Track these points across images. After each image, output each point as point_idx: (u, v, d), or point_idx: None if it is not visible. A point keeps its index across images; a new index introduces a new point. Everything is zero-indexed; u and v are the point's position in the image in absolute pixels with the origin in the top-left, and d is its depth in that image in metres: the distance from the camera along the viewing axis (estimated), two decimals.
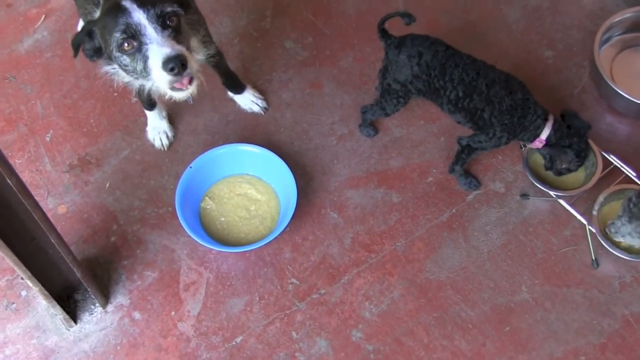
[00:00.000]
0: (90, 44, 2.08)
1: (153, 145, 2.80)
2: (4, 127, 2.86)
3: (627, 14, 2.91)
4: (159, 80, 2.04)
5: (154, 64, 1.99)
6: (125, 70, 2.11)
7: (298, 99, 2.91)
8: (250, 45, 3.03)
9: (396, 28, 2.52)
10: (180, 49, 1.99)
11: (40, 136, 2.83)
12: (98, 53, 2.10)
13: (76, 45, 2.08)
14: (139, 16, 1.97)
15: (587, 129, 2.51)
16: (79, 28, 2.96)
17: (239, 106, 2.87)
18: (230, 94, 2.85)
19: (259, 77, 2.95)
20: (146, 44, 1.98)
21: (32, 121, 2.87)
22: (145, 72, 2.03)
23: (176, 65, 1.96)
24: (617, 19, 2.89)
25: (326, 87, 2.93)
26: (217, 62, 2.61)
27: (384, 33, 2.51)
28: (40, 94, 2.93)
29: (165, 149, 2.79)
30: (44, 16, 3.13)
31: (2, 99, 2.92)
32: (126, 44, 1.99)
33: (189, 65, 2.01)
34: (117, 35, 1.98)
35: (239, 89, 2.82)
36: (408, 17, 2.43)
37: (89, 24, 2.07)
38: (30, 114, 2.89)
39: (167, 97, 2.18)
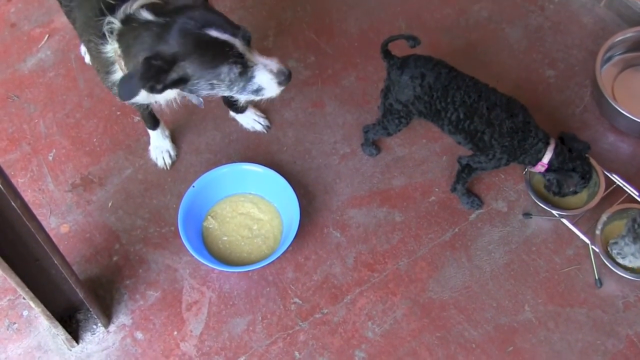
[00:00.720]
0: (165, 79, 1.99)
1: (156, 165, 2.80)
2: (7, 146, 2.86)
3: (629, 33, 2.92)
4: (272, 92, 2.17)
5: (266, 81, 2.11)
6: (213, 92, 2.11)
7: (300, 118, 2.92)
8: None
9: (398, 48, 2.53)
10: (278, 60, 2.12)
11: (43, 155, 2.84)
12: (175, 85, 2.04)
13: (152, 86, 1.96)
14: (238, 44, 2.03)
15: (587, 149, 2.51)
16: (82, 49, 3.00)
17: (241, 125, 2.88)
18: (232, 113, 2.86)
19: None
20: (251, 67, 2.07)
21: (35, 140, 2.87)
22: (244, 89, 2.12)
23: (285, 75, 2.14)
24: (618, 39, 2.91)
25: (328, 106, 2.94)
26: None
27: (386, 53, 2.52)
28: (43, 113, 2.94)
29: (168, 168, 2.79)
30: (47, 36, 3.14)
31: (5, 118, 2.93)
32: (237, 72, 2.05)
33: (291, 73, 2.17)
34: (234, 68, 2.03)
35: (241, 108, 2.83)
36: (413, 40, 2.43)
37: (160, 59, 1.96)
38: (33, 133, 2.89)
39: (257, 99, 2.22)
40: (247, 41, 2.06)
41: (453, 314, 2.51)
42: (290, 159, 2.82)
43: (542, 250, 2.62)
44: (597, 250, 2.53)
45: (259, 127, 2.86)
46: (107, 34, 2.08)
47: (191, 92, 2.11)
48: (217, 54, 2.00)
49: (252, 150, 2.84)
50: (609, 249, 2.48)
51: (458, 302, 2.53)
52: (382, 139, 2.83)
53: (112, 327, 2.50)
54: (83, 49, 3.04)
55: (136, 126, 2.89)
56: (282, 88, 2.16)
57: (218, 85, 2.08)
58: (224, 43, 2.00)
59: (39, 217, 2.00)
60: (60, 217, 2.71)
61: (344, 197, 2.74)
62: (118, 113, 2.92)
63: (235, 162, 2.74)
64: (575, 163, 2.47)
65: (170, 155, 2.79)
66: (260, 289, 2.56)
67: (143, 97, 2.11)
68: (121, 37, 2.07)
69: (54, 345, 2.47)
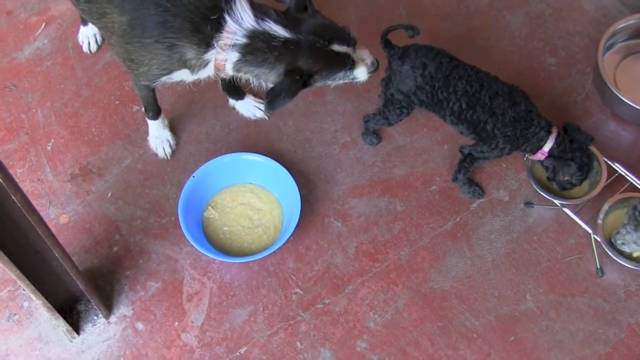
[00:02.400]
0: (299, 90, 2.27)
1: (155, 154, 2.79)
2: (4, 136, 2.84)
3: (631, 20, 2.90)
4: (363, 78, 2.40)
5: (362, 74, 2.37)
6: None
7: (300, 107, 2.90)
8: None
9: (399, 37, 2.51)
10: (369, 53, 2.37)
11: (42, 145, 2.82)
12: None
13: (284, 103, 2.27)
14: (350, 52, 2.30)
15: (590, 142, 2.50)
16: (80, 38, 2.98)
17: (242, 114, 2.86)
18: (231, 101, 2.84)
19: None
20: (353, 65, 2.34)
21: (33, 130, 2.85)
22: (341, 80, 2.37)
23: (375, 65, 2.38)
24: (620, 26, 2.89)
25: (328, 95, 2.92)
26: None
27: (387, 43, 2.50)
28: (41, 102, 2.91)
29: (168, 157, 2.78)
30: (44, 24, 3.11)
31: (3, 108, 2.90)
32: (348, 75, 2.36)
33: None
34: (347, 74, 2.34)
35: (240, 94, 2.81)
36: (412, 30, 2.42)
37: (297, 76, 2.23)
38: (31, 122, 2.87)
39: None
40: (354, 45, 2.31)
41: (454, 303, 2.50)
42: (291, 148, 2.81)
43: (543, 240, 2.61)
44: (598, 239, 2.53)
45: (259, 114, 2.84)
46: (216, 45, 2.19)
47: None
48: (339, 66, 2.30)
49: (252, 139, 2.82)
50: (612, 240, 2.47)
51: (459, 291, 2.52)
52: (382, 128, 2.82)
53: (112, 318, 2.49)
54: (81, 37, 3.01)
55: (135, 116, 2.87)
56: (369, 75, 2.42)
57: (330, 82, 2.36)
58: (344, 55, 2.28)
59: (38, 208, 1.99)
60: (60, 208, 2.69)
61: (344, 186, 2.73)
62: (117, 102, 2.90)
63: (235, 151, 2.72)
64: (574, 154, 2.46)
65: (170, 145, 2.78)
66: (261, 279, 2.55)
67: (183, 74, 2.33)
68: (250, 51, 2.21)
69: (55, 337, 2.46)
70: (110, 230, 2.65)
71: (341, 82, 2.39)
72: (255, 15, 2.20)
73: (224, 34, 2.19)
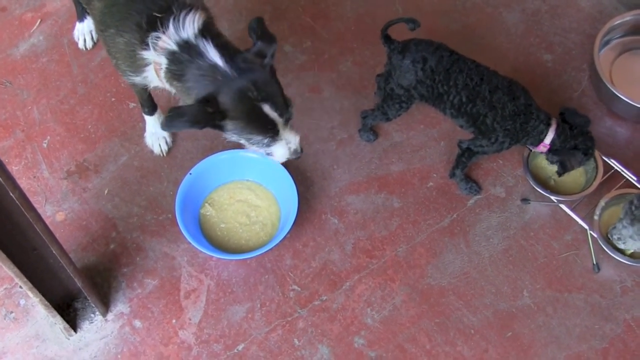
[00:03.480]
0: (206, 124, 2.09)
1: (152, 151, 2.78)
2: (0, 133, 2.83)
3: (627, 16, 2.90)
4: (280, 160, 2.32)
5: (280, 153, 2.27)
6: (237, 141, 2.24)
7: (297, 104, 2.88)
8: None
9: (396, 33, 2.51)
10: (298, 140, 2.29)
11: (38, 142, 2.81)
12: (214, 127, 2.13)
13: (201, 126, 2.08)
14: (280, 124, 2.18)
15: (588, 123, 2.50)
16: (75, 34, 2.96)
17: None
18: None
19: None
20: (276, 140, 2.22)
21: (28, 127, 2.84)
22: (262, 150, 2.26)
23: (297, 155, 2.31)
24: (616, 22, 2.89)
25: (325, 92, 2.92)
26: None
27: (387, 38, 2.50)
28: (36, 99, 2.90)
29: (164, 154, 2.77)
30: (39, 20, 3.10)
31: None
32: (265, 142, 2.22)
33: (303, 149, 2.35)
34: (264, 139, 2.19)
35: None
36: (412, 23, 2.42)
37: (212, 107, 2.06)
38: (26, 119, 2.86)
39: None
40: (287, 120, 2.21)
41: (452, 300, 2.51)
42: None
43: (540, 236, 2.62)
44: (595, 235, 2.54)
45: None
46: (151, 45, 2.11)
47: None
48: (260, 127, 2.16)
49: None
50: (608, 235, 2.48)
51: (457, 288, 2.53)
52: (379, 125, 2.82)
53: (110, 316, 2.49)
54: (76, 33, 3.00)
55: (132, 112, 2.86)
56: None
57: (244, 142, 2.23)
58: (270, 122, 2.15)
59: (34, 205, 1.98)
60: (56, 205, 2.68)
61: (341, 183, 2.73)
62: (113, 99, 2.89)
63: (232, 148, 2.71)
64: (577, 140, 2.46)
65: (166, 142, 2.77)
66: (258, 276, 2.55)
67: (152, 77, 2.24)
68: (176, 60, 2.10)
69: (52, 334, 2.46)
70: (107, 227, 2.64)
71: (255, 148, 2.25)
72: (199, 30, 2.10)
73: (163, 37, 2.10)
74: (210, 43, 2.09)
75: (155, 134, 2.76)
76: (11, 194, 1.74)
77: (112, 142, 2.81)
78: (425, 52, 2.42)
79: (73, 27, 3.02)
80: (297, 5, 3.12)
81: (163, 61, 2.12)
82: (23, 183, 2.71)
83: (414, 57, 2.42)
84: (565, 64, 2.98)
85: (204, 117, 2.05)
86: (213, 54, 2.07)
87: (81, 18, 2.94)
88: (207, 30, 2.13)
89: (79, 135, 2.82)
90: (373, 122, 2.70)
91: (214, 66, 2.07)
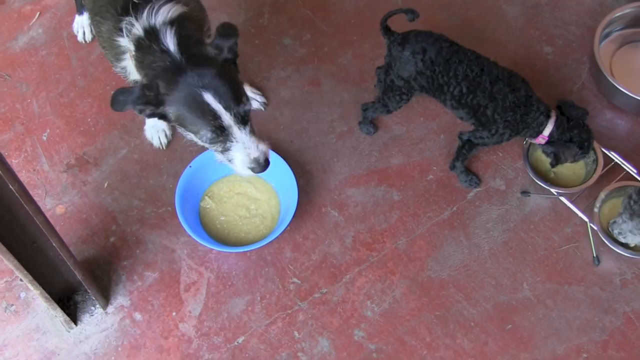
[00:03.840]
0: (151, 110, 2.04)
1: (151, 144, 2.78)
2: (0, 126, 2.82)
3: (627, 9, 2.90)
4: (241, 172, 2.17)
5: (239, 162, 2.12)
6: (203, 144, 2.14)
7: (297, 97, 2.89)
8: (248, 42, 3.00)
9: (395, 24, 2.50)
10: (262, 148, 2.13)
11: (37, 135, 2.80)
12: (161, 118, 2.08)
13: (140, 110, 2.03)
14: (227, 119, 2.03)
15: (586, 115, 2.50)
16: (75, 27, 2.96)
17: None
18: None
19: (257, 75, 2.93)
20: (231, 141, 2.08)
21: (28, 120, 2.84)
22: (222, 155, 2.14)
23: (260, 166, 2.14)
24: (617, 15, 2.89)
25: (325, 85, 2.92)
26: None
27: (387, 30, 2.49)
28: (36, 92, 2.90)
29: (164, 147, 2.77)
30: (38, 13, 3.09)
31: None
32: (213, 138, 2.08)
33: (269, 160, 2.17)
34: (208, 134, 2.05)
35: None
36: (412, 14, 2.42)
37: (152, 92, 2.01)
38: (26, 112, 2.86)
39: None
40: (241, 117, 2.06)
41: (452, 292, 2.51)
42: (287, 137, 2.80)
43: (540, 229, 2.62)
44: (595, 228, 2.54)
45: (255, 105, 2.83)
46: (125, 31, 2.09)
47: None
48: (200, 117, 2.03)
49: None
50: (609, 229, 2.48)
51: (457, 280, 2.53)
52: (379, 118, 2.81)
53: (110, 309, 2.49)
54: (76, 26, 2.99)
55: None
56: (252, 174, 2.17)
57: (197, 140, 2.11)
58: (212, 111, 2.02)
59: (34, 198, 1.98)
60: (56, 198, 2.68)
61: (341, 176, 2.73)
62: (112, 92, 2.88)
63: None
64: (572, 132, 2.46)
65: (166, 135, 2.77)
66: (258, 269, 2.55)
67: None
68: (140, 46, 2.09)
69: (53, 327, 2.46)
70: (107, 220, 2.64)
71: (213, 149, 2.14)
72: (170, 20, 2.09)
73: (136, 24, 2.08)
74: (173, 31, 2.06)
75: (154, 127, 2.76)
76: (11, 187, 1.74)
77: (111, 135, 2.81)
78: (425, 43, 2.41)
79: (72, 20, 3.01)
80: None
81: (132, 48, 2.10)
82: (23, 176, 2.71)
83: (413, 48, 2.42)
84: (566, 56, 2.97)
85: (143, 100, 2.00)
86: (169, 40, 2.05)
87: (80, 11, 2.93)
88: (179, 22, 2.10)
89: (79, 128, 2.82)
90: (374, 114, 2.70)
91: (166, 52, 2.04)
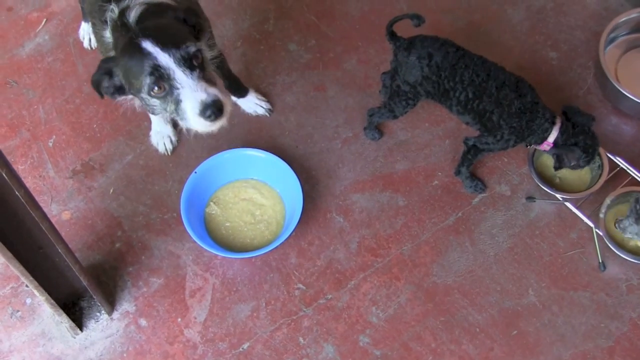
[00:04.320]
0: (110, 83, 2.02)
1: (157, 150, 2.78)
2: (6, 132, 2.84)
3: (633, 14, 2.89)
4: (195, 124, 2.01)
5: (189, 109, 1.96)
6: (152, 111, 2.07)
7: (302, 102, 2.90)
8: (253, 48, 3.01)
9: (401, 30, 2.51)
10: (213, 92, 1.97)
11: (43, 142, 2.81)
12: (120, 91, 2.05)
13: (95, 85, 2.02)
14: (165, 59, 1.92)
15: (591, 122, 2.49)
16: (80, 33, 2.98)
17: (243, 110, 2.86)
18: (233, 98, 2.84)
19: (262, 80, 2.94)
20: (177, 89, 1.95)
21: (34, 126, 2.85)
22: (177, 113, 2.01)
23: (213, 112, 1.95)
24: (622, 20, 2.88)
25: (330, 90, 2.92)
26: (219, 65, 2.58)
27: (392, 35, 2.49)
28: (42, 98, 2.91)
29: (169, 153, 2.78)
30: (45, 20, 3.11)
31: (4, 104, 2.90)
32: (156, 88, 1.95)
33: (225, 107, 2.00)
34: (147, 80, 1.93)
35: (242, 92, 2.81)
36: (417, 19, 2.42)
37: (106, 63, 2.00)
38: (32, 119, 2.87)
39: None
40: (185, 60, 1.94)
41: (457, 298, 2.51)
42: (293, 143, 2.81)
43: (545, 234, 2.61)
44: (600, 233, 2.53)
45: (261, 111, 2.84)
46: (108, 20, 2.07)
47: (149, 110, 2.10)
48: (139, 65, 1.92)
49: (254, 134, 2.82)
50: (615, 225, 2.47)
51: (462, 286, 2.53)
52: (384, 123, 2.81)
53: (115, 315, 2.50)
54: (81, 32, 3.01)
55: (136, 111, 2.84)
56: (209, 124, 2.00)
57: (149, 101, 2.01)
58: (148, 55, 1.91)
59: (40, 204, 1.98)
60: (62, 204, 2.69)
61: (346, 181, 2.73)
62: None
63: (237, 147, 2.72)
64: (577, 138, 2.45)
65: (171, 141, 2.77)
66: (263, 274, 2.55)
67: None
68: (114, 28, 2.06)
69: (58, 333, 2.46)
70: (112, 226, 2.65)
71: (172, 113, 2.01)
72: (145, 1, 2.05)
73: (115, 8, 2.04)
74: (142, 8, 2.02)
75: (160, 133, 2.76)
76: (17, 193, 1.75)
77: (117, 141, 2.82)
78: (431, 48, 2.41)
79: (78, 27, 3.03)
80: (301, 3, 3.12)
81: (110, 34, 2.06)
82: (29, 182, 2.72)
83: (419, 54, 2.42)
84: (571, 61, 2.97)
85: (99, 72, 1.99)
86: (132, 14, 2.01)
87: (86, 18, 2.95)
88: (158, 6, 2.05)
89: (85, 134, 2.83)
90: (380, 119, 2.70)
91: (126, 25, 2.00)
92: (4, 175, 1.69)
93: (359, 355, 2.42)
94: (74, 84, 2.94)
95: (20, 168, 2.75)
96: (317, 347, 2.43)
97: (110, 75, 2.02)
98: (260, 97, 2.85)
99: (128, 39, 1.95)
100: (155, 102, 2.00)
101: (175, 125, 2.80)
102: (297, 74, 2.95)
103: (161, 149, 2.77)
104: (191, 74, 1.94)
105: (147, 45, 1.91)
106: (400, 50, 2.46)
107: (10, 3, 3.16)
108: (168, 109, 2.01)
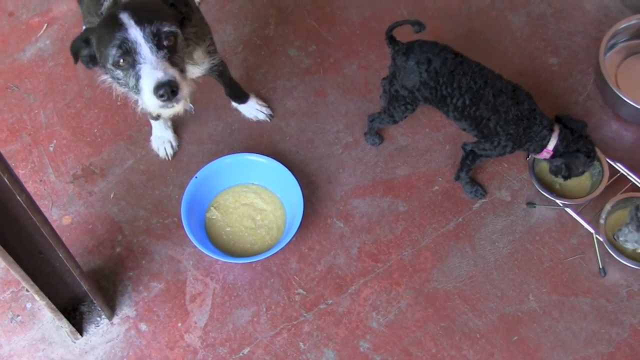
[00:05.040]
0: (86, 51, 2.05)
1: (157, 155, 2.79)
2: (7, 137, 2.84)
3: (632, 20, 2.90)
4: (148, 102, 2.02)
5: (145, 86, 1.97)
6: (118, 83, 2.10)
7: (302, 107, 2.90)
8: (254, 54, 3.02)
9: (401, 36, 2.51)
10: (172, 73, 1.96)
11: (44, 146, 2.82)
12: (94, 61, 2.08)
13: (74, 51, 2.06)
14: (135, 33, 1.93)
15: (584, 128, 2.50)
16: None
17: (244, 115, 2.86)
18: (234, 104, 2.84)
19: (263, 86, 2.94)
20: (140, 63, 1.96)
21: (35, 131, 2.85)
22: (136, 89, 2.02)
23: (166, 92, 1.94)
24: (622, 26, 2.89)
25: (331, 95, 2.92)
26: (221, 72, 2.59)
27: (391, 39, 2.50)
28: (43, 103, 2.91)
29: (170, 158, 2.78)
30: (46, 25, 3.11)
31: (5, 109, 2.90)
32: (121, 60, 1.97)
33: (180, 91, 1.99)
34: (113, 50, 1.94)
35: (243, 98, 2.81)
36: (418, 25, 2.42)
37: (87, 32, 2.05)
38: (33, 123, 2.87)
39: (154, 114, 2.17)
40: (154, 36, 1.94)
41: (457, 303, 2.51)
42: (293, 148, 2.81)
43: (546, 240, 2.61)
44: (601, 239, 2.53)
45: (261, 117, 2.84)
46: (104, 10, 2.10)
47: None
48: (110, 34, 1.93)
49: (255, 140, 2.82)
50: (614, 236, 2.48)
51: (462, 292, 2.53)
52: (385, 129, 2.82)
53: (116, 319, 2.49)
54: None
55: (137, 116, 2.86)
56: (160, 104, 1.99)
57: (114, 72, 2.01)
58: (121, 25, 1.92)
59: (40, 209, 1.98)
60: (62, 209, 2.69)
61: (347, 186, 2.73)
62: (119, 103, 2.89)
63: (237, 152, 2.72)
64: (578, 144, 2.46)
65: (172, 146, 2.78)
66: (264, 280, 2.55)
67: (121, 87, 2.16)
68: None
69: (58, 338, 2.46)
70: (112, 231, 2.65)
71: (133, 89, 2.02)
72: None
73: (107, 3, 2.08)
74: None
75: (161, 138, 2.77)
76: (18, 198, 1.75)
77: (118, 145, 2.82)
78: (430, 54, 2.42)
79: (79, 32, 3.02)
80: (302, 9, 3.13)
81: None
82: (30, 187, 2.72)
83: (418, 59, 2.42)
84: (571, 67, 2.98)
85: (79, 40, 2.01)
86: None
87: (85, 20, 2.95)
88: None
89: (85, 139, 2.83)
90: (380, 125, 2.70)
91: (117, 2, 2.05)
92: (5, 179, 1.70)
93: None
94: (75, 88, 2.94)
95: (21, 172, 2.76)
96: (318, 353, 2.43)
97: (88, 43, 2.03)
98: (260, 102, 2.86)
99: (109, 9, 1.99)
100: (119, 73, 2.01)
101: (175, 129, 2.81)
102: (298, 80, 2.96)
103: (162, 153, 2.78)
104: (157, 52, 1.95)
105: (124, 17, 1.93)
106: (399, 54, 2.47)
107: (11, 8, 3.16)
108: (130, 83, 2.01)
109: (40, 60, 3.02)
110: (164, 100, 1.97)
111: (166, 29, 1.96)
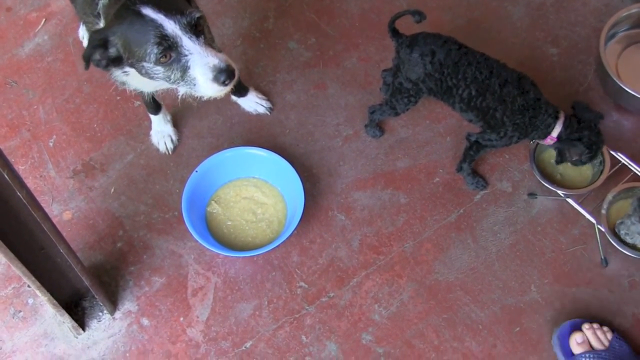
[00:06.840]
0: (104, 55, 1.99)
1: (157, 150, 2.78)
2: (6, 132, 2.83)
3: (633, 9, 2.88)
4: (207, 90, 2.01)
5: (200, 75, 1.95)
6: (152, 77, 2.03)
7: (302, 101, 2.89)
8: (253, 47, 3.01)
9: (402, 28, 2.50)
10: (224, 57, 1.97)
11: (44, 142, 2.81)
12: (115, 62, 2.02)
13: (87, 58, 1.98)
14: (171, 26, 1.90)
15: (599, 119, 2.48)
16: (80, 33, 2.97)
17: (243, 109, 2.85)
18: (233, 97, 2.83)
19: (262, 79, 2.93)
20: (185, 55, 1.94)
21: (34, 126, 2.85)
22: (182, 80, 1.99)
23: (228, 76, 1.96)
24: (622, 15, 2.87)
25: (330, 88, 2.92)
26: None
27: (394, 32, 2.49)
28: (42, 98, 2.91)
29: (170, 153, 2.77)
30: (44, 20, 3.10)
31: (4, 105, 2.90)
32: (163, 57, 1.93)
33: (236, 70, 2.00)
34: (154, 49, 1.91)
35: (242, 91, 2.80)
36: (419, 15, 2.41)
37: (100, 34, 1.97)
38: (32, 119, 2.86)
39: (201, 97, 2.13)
40: (190, 26, 1.93)
41: (459, 295, 2.51)
42: (293, 141, 2.80)
43: (547, 230, 2.61)
44: (603, 229, 2.53)
45: (261, 110, 2.84)
46: (100, 8, 2.06)
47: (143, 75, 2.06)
48: (142, 32, 1.89)
49: (255, 133, 2.82)
50: (616, 229, 2.47)
51: (464, 283, 2.53)
52: (385, 121, 2.81)
53: (117, 314, 2.49)
54: (81, 32, 3.00)
55: (137, 111, 2.86)
56: (221, 89, 2.01)
57: (152, 69, 1.98)
58: (151, 21, 1.89)
59: (41, 205, 1.98)
60: (63, 204, 2.69)
61: (348, 179, 2.73)
62: (118, 98, 2.89)
63: (237, 145, 2.71)
64: (582, 133, 2.44)
65: (172, 140, 2.77)
66: (265, 273, 2.55)
67: (136, 83, 2.14)
68: (106, 15, 2.04)
69: (60, 333, 2.46)
70: (113, 226, 2.65)
71: (176, 81, 1.99)
72: None
73: None
74: None
75: (161, 132, 2.76)
76: (18, 194, 1.74)
77: (117, 140, 2.81)
78: (434, 45, 2.41)
79: (78, 27, 3.02)
80: (301, 2, 3.12)
81: (102, 17, 2.02)
82: (30, 182, 2.72)
83: (422, 51, 2.41)
84: (571, 57, 2.97)
85: (93, 44, 1.93)
86: None
87: (80, 18, 2.94)
88: None
89: (85, 134, 2.83)
90: (381, 117, 2.69)
91: None
92: (5, 175, 1.69)
93: (361, 353, 2.42)
94: (74, 83, 2.94)
95: (20, 168, 2.75)
96: (320, 345, 2.43)
97: (106, 47, 1.98)
98: (260, 95, 2.85)
99: (122, 5, 1.93)
100: (158, 69, 1.98)
101: (175, 124, 2.80)
102: (298, 72, 2.95)
103: (162, 148, 2.77)
104: (197, 40, 1.94)
105: (148, 11, 1.89)
106: (403, 47, 2.46)
107: (9, 3, 3.15)
108: (172, 76, 1.99)
109: (39, 55, 3.01)
110: (225, 85, 1.98)
111: (197, 14, 1.94)
